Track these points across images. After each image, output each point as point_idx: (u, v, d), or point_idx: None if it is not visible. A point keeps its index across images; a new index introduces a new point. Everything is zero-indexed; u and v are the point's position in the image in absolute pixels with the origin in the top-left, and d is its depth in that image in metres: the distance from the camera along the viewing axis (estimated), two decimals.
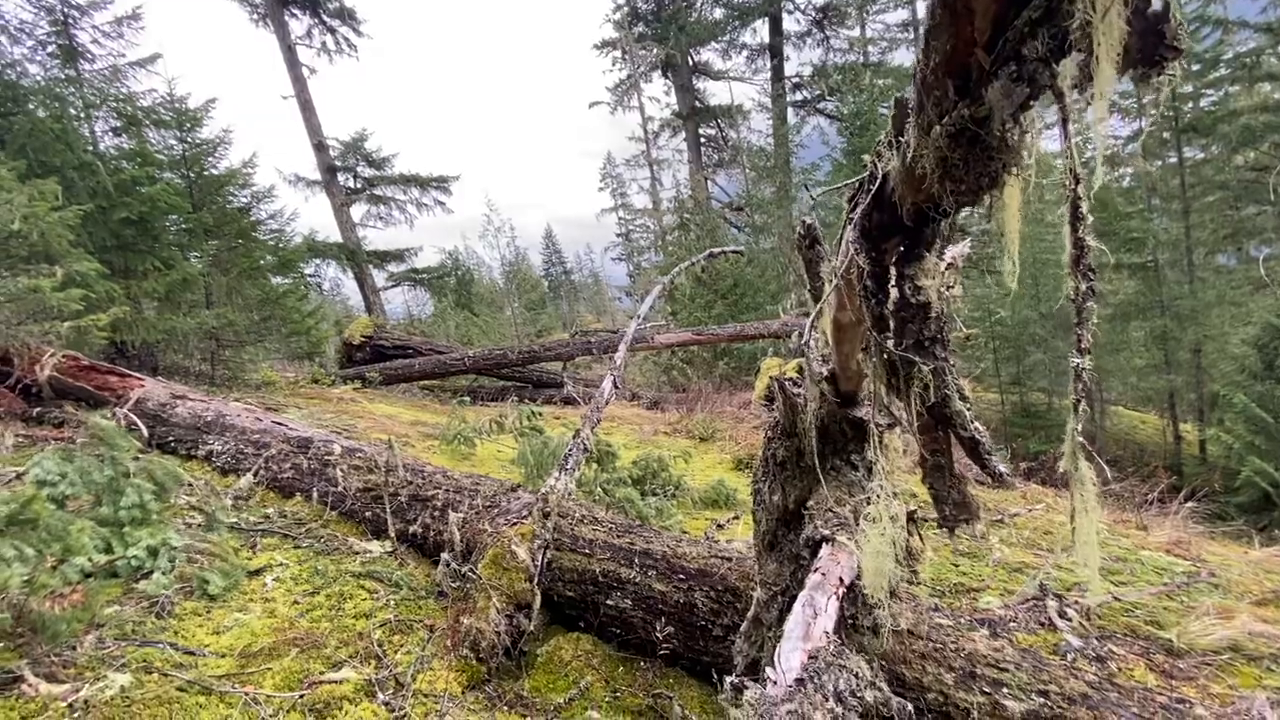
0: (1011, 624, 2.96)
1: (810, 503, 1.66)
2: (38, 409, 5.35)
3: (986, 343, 12.99)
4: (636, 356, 13.88)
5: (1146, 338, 12.77)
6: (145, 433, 4.53)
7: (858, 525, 1.58)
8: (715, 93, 26.53)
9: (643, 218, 30.43)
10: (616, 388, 3.55)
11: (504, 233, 25.76)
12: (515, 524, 2.89)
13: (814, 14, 23.26)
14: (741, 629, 2.03)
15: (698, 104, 25.37)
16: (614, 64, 25.15)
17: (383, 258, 16.06)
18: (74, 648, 2.22)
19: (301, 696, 2.14)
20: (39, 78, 8.42)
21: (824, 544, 1.54)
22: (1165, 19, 0.63)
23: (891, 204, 0.95)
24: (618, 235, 31.60)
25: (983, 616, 3.03)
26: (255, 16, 14.90)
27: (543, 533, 2.80)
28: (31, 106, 7.73)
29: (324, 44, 15.32)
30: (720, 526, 4.23)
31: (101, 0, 9.49)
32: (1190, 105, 13.68)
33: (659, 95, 26.39)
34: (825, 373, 1.47)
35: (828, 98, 23.29)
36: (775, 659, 1.20)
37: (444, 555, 2.98)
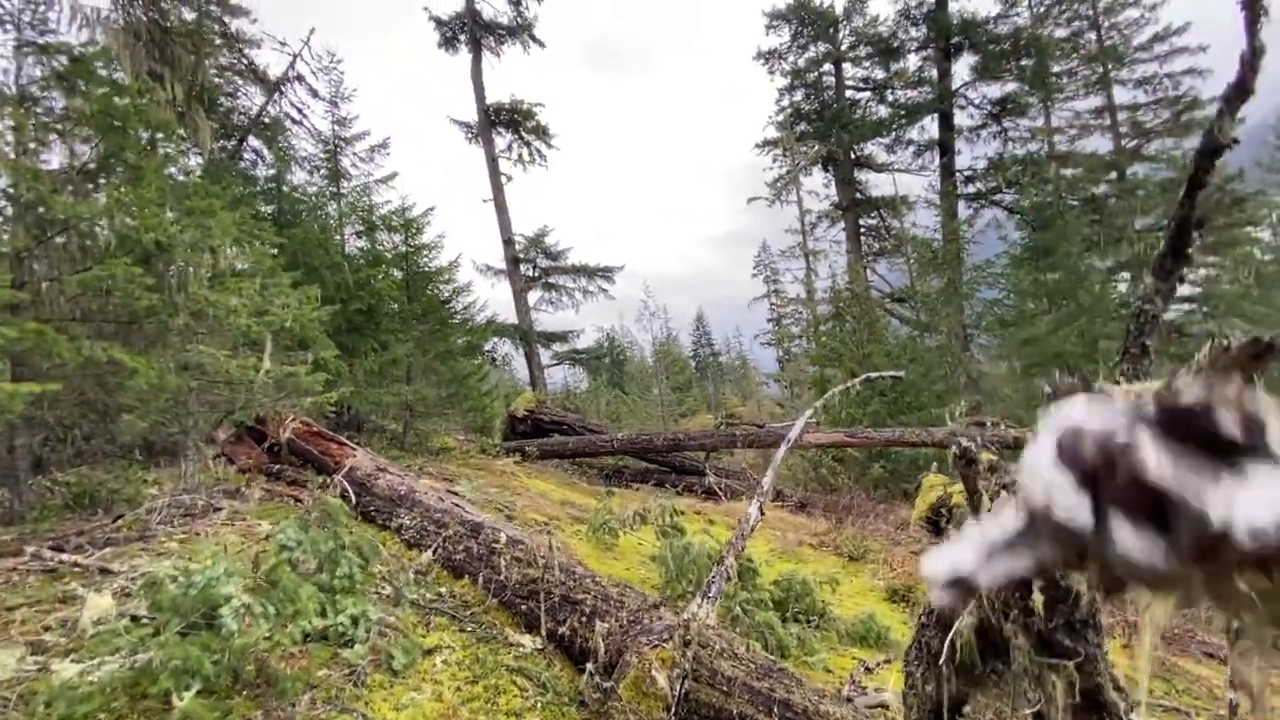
0: None
1: (967, 708, 1.59)
2: (276, 466, 6.54)
3: None
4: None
5: None
6: (354, 499, 5.35)
7: None
8: (878, 184, 26.22)
9: (795, 305, 30.30)
10: (762, 514, 3.59)
11: (658, 316, 27.03)
12: (656, 646, 2.99)
13: (989, 108, 22.44)
14: None
15: (859, 195, 25.23)
16: (774, 161, 26.05)
17: (550, 338, 17.65)
18: (294, 704, 2.66)
19: None
20: (312, 196, 10.72)
21: None
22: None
23: None
24: (769, 321, 31.68)
25: None
26: (469, 135, 17.80)
27: (682, 661, 2.87)
28: (305, 217, 9.83)
29: (520, 155, 17.81)
30: (869, 670, 3.96)
31: (362, 132, 11.98)
32: None
33: (818, 189, 26.61)
34: None
35: (1005, 190, 22.01)
36: None
37: (589, 665, 3.15)
